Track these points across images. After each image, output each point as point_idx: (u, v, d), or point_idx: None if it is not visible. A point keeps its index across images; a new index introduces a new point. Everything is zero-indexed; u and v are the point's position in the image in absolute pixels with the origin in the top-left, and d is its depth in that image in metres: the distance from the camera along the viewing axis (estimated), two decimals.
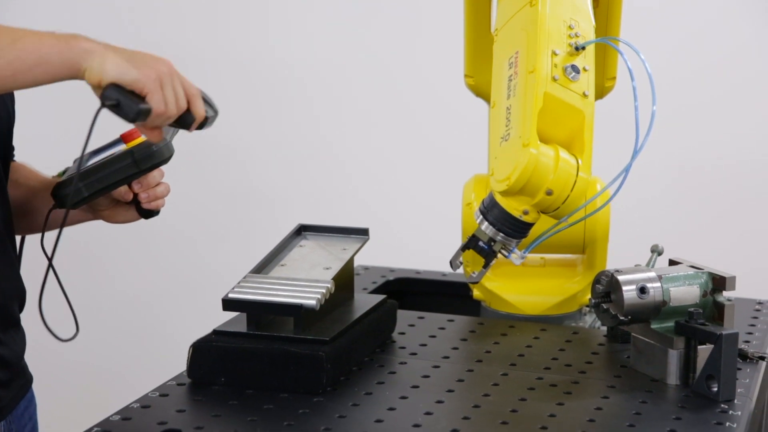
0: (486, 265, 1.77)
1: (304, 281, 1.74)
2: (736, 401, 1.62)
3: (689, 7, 3.47)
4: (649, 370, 1.73)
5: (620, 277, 1.69)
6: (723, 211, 3.49)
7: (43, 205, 1.69)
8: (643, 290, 1.68)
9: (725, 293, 1.72)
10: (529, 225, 1.73)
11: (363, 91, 3.70)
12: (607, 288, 1.72)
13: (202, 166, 3.68)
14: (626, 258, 1.94)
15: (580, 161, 1.71)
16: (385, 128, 3.70)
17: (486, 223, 1.74)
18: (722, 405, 1.61)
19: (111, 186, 1.66)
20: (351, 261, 1.86)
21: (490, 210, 1.74)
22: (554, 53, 1.73)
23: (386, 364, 1.79)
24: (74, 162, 1.76)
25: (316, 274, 1.78)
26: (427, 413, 1.57)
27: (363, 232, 1.92)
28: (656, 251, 1.87)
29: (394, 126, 3.68)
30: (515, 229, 1.73)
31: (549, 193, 1.68)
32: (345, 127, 3.73)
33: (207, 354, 1.67)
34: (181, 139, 1.73)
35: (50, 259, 1.61)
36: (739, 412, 1.58)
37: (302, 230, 1.93)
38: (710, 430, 1.53)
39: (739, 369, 1.71)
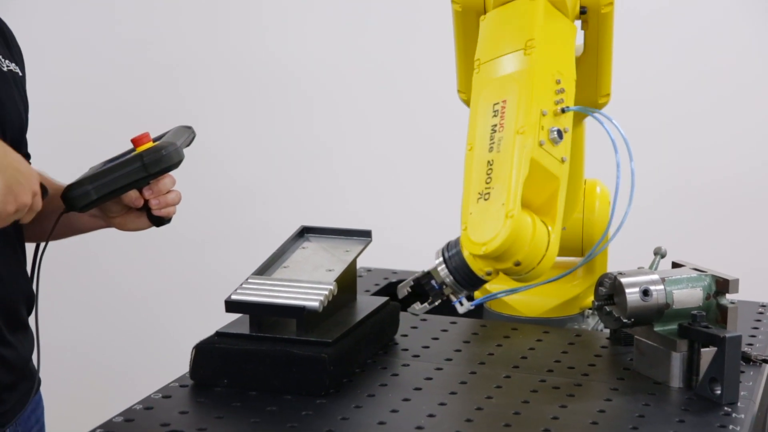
0: (430, 303, 1.72)
1: (306, 283, 1.74)
2: (739, 404, 1.62)
3: (688, 12, 3.46)
4: (652, 373, 1.73)
5: (623, 280, 1.69)
6: (726, 214, 3.48)
7: (55, 211, 1.69)
8: (646, 293, 1.68)
9: (728, 296, 1.72)
10: (485, 281, 1.69)
11: (364, 93, 3.69)
12: (610, 290, 1.72)
13: (204, 168, 3.68)
14: (628, 261, 1.94)
15: (550, 228, 1.66)
16: (387, 130, 3.69)
17: (443, 266, 1.68)
18: (725, 408, 1.60)
19: (120, 189, 1.65)
20: (354, 263, 1.85)
21: (453, 257, 1.68)
22: (542, 114, 1.67)
23: (389, 366, 1.78)
24: (89, 170, 1.75)
25: (319, 276, 1.78)
26: (430, 415, 1.56)
27: (366, 234, 1.91)
28: (659, 254, 1.87)
29: (396, 127, 3.68)
30: (470, 282, 1.69)
31: (517, 264, 1.63)
32: (347, 129, 3.73)
33: (210, 355, 1.67)
34: None
35: (38, 270, 1.64)
36: (743, 415, 1.58)
37: (305, 232, 1.93)
38: None
39: (743, 372, 1.71)
